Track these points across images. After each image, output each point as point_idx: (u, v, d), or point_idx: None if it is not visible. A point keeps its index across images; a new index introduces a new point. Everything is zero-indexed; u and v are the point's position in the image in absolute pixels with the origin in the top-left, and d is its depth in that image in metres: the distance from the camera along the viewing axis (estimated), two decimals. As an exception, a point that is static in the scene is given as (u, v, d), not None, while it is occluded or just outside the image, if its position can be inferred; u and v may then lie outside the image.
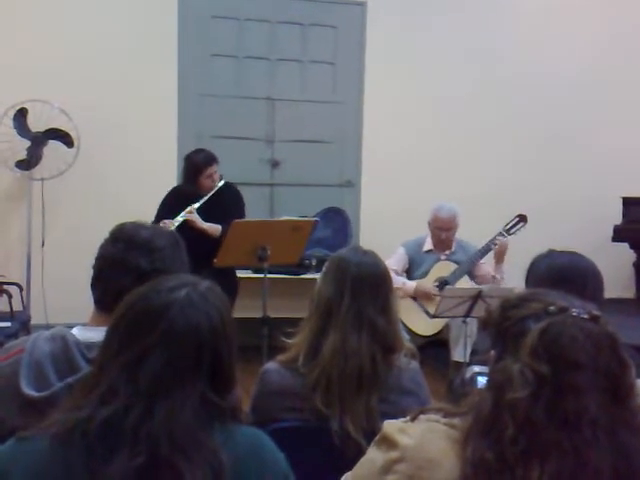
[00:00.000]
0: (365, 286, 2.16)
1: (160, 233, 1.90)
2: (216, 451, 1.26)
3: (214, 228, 4.61)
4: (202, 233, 4.56)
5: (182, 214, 4.53)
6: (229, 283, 4.86)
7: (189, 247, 4.86)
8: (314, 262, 5.72)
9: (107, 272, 1.65)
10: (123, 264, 1.61)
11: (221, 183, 4.71)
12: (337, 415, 2.04)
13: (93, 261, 1.85)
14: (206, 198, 4.64)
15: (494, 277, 4.88)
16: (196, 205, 4.59)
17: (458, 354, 4.71)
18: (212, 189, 4.67)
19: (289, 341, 2.21)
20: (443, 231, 5.01)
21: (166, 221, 4.47)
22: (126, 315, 1.34)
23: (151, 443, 1.23)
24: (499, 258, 4.89)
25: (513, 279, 4.75)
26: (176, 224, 4.45)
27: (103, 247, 1.85)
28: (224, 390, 1.36)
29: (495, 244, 4.87)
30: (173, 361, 1.28)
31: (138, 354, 1.28)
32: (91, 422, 1.24)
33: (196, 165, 4.67)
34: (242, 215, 4.77)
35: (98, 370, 1.31)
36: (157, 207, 4.84)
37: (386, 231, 6.06)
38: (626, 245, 6.80)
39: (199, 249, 4.47)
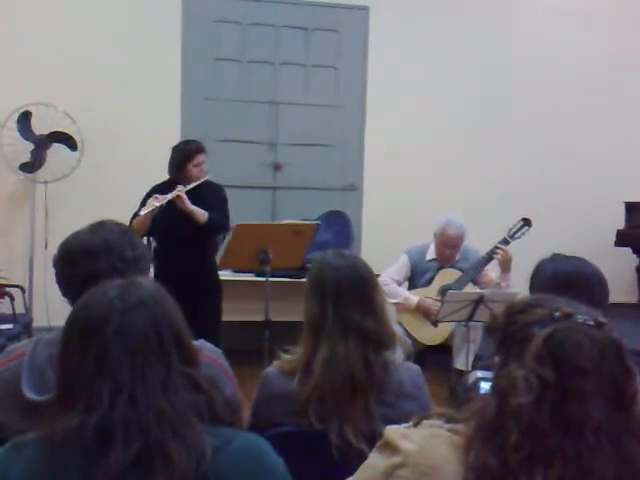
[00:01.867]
0: (345, 292, 2.16)
1: (104, 229, 1.89)
2: (201, 435, 1.28)
3: (201, 213, 4.45)
4: (189, 217, 4.43)
5: (172, 193, 4.39)
6: (214, 283, 4.82)
7: (179, 239, 4.75)
8: (316, 266, 5.70)
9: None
10: (100, 277, 1.60)
11: (206, 177, 4.60)
12: (336, 427, 2.04)
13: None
14: (195, 184, 4.50)
15: (499, 284, 4.85)
16: (186, 189, 4.44)
17: (460, 362, 4.69)
18: (198, 179, 4.54)
19: (287, 356, 2.21)
20: (449, 248, 4.96)
21: (158, 196, 4.37)
22: (73, 327, 1.36)
23: (142, 429, 1.24)
24: (504, 267, 4.84)
25: (517, 283, 4.76)
26: (165, 201, 4.35)
27: (67, 271, 1.85)
28: (192, 360, 1.38)
29: (497, 253, 4.83)
30: (137, 349, 1.30)
31: (101, 355, 1.29)
32: (84, 428, 1.25)
33: (186, 152, 4.56)
34: (225, 210, 4.66)
35: (70, 384, 1.31)
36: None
37: (388, 235, 6.06)
38: (629, 250, 6.80)
39: (188, 241, 4.46)
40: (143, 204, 4.53)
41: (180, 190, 4.41)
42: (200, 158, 4.57)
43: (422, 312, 4.91)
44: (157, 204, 4.32)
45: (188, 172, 4.55)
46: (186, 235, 4.49)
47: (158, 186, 4.67)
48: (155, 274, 4.46)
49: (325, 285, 2.18)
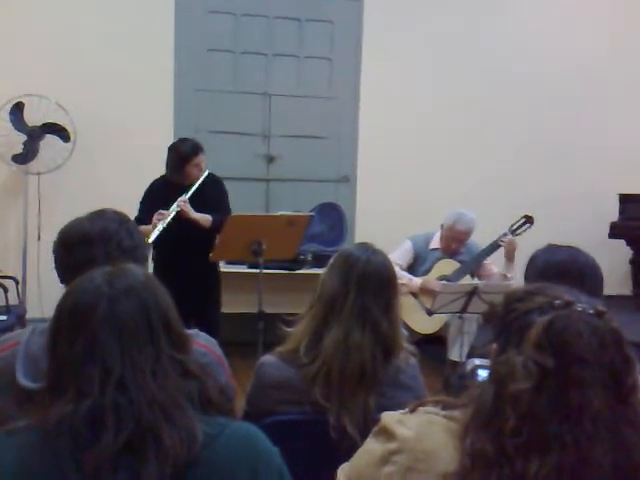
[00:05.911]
0: (370, 284, 2.15)
1: (103, 217, 1.90)
2: (192, 418, 1.28)
3: (205, 218, 4.55)
4: (192, 224, 4.51)
5: (175, 205, 4.45)
6: (214, 275, 4.88)
7: (180, 238, 4.82)
8: (309, 257, 5.71)
9: None
10: (96, 264, 1.60)
11: (206, 173, 4.64)
12: (335, 409, 2.04)
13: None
14: (195, 187, 4.54)
15: (505, 276, 4.85)
16: (187, 195, 4.50)
17: (455, 354, 4.70)
18: (198, 179, 4.58)
19: (288, 329, 2.20)
20: (455, 242, 4.97)
21: (163, 212, 4.41)
22: (62, 314, 1.36)
23: (133, 413, 1.24)
24: (509, 256, 4.86)
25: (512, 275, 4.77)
26: (172, 215, 4.40)
27: (64, 257, 1.89)
28: (182, 346, 1.37)
29: (503, 241, 4.85)
30: (126, 335, 1.30)
31: (90, 342, 1.29)
32: (76, 414, 1.24)
33: (183, 154, 4.57)
34: (227, 205, 4.75)
35: (60, 371, 1.31)
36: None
37: (381, 227, 6.05)
38: (623, 242, 6.82)
39: (190, 240, 4.50)
40: (143, 202, 4.63)
41: (183, 201, 4.44)
42: (198, 159, 4.58)
43: (426, 292, 4.90)
44: (161, 226, 4.36)
45: (187, 173, 4.57)
46: (188, 237, 4.52)
47: (161, 178, 4.69)
48: (155, 273, 4.54)
49: (354, 268, 2.16)
